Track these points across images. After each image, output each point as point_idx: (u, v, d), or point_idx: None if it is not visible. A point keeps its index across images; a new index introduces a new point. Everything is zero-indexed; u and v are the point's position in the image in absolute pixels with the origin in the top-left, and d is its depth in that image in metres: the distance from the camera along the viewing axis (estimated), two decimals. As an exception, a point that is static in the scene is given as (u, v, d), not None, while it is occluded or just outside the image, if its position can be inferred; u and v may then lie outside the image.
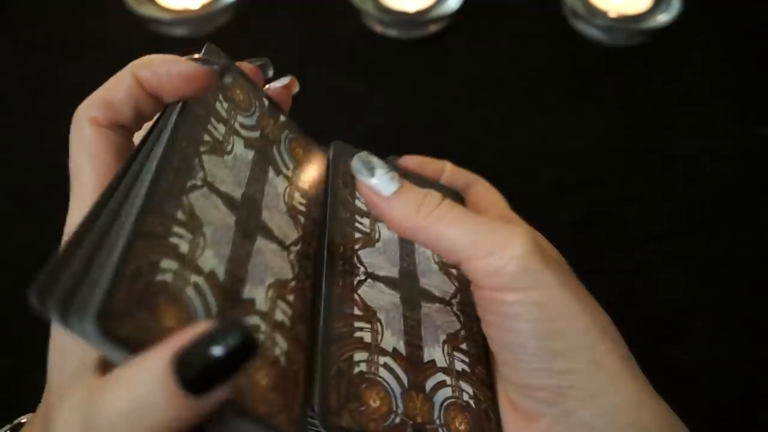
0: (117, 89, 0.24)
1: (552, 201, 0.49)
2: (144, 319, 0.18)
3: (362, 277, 0.27)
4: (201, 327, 0.18)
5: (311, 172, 0.29)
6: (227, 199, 0.24)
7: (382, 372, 0.24)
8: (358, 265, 0.27)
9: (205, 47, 0.27)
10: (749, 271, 0.46)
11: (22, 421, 0.29)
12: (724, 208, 0.49)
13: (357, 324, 0.25)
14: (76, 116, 0.24)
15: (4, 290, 0.45)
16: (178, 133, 0.23)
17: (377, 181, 0.25)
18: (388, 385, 0.24)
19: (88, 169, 0.23)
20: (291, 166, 0.28)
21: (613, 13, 0.57)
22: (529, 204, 0.49)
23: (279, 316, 0.23)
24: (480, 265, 0.24)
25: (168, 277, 0.19)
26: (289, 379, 0.22)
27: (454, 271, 0.30)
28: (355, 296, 0.26)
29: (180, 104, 0.24)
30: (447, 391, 0.25)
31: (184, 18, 0.56)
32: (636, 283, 0.46)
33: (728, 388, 0.41)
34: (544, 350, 0.23)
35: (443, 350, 0.26)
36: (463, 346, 0.27)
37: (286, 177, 0.28)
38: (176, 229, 0.21)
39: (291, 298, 0.24)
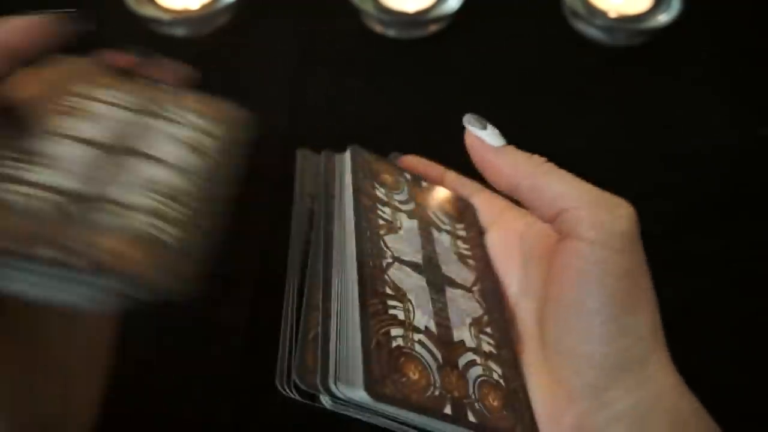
0: None
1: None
2: (397, 378, 0.23)
3: (390, 260, 0.27)
4: None
5: (462, 220, 0.33)
6: (414, 266, 0.28)
7: (418, 347, 0.25)
8: (385, 249, 0.28)
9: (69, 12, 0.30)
10: (749, 271, 0.46)
11: None
12: (724, 208, 0.49)
13: (390, 302, 0.26)
14: None
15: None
16: (361, 223, 0.28)
17: (489, 132, 0.27)
18: (425, 359, 0.24)
19: None
20: (446, 220, 0.32)
21: (613, 13, 0.57)
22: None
23: (486, 347, 0.27)
24: (584, 215, 0.24)
25: (400, 342, 0.24)
26: (512, 395, 0.25)
27: (470, 261, 0.31)
28: (386, 276, 0.27)
29: (352, 201, 0.29)
30: (478, 370, 0.26)
31: (184, 18, 0.56)
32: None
33: (728, 388, 0.41)
34: (616, 323, 0.23)
35: (470, 332, 0.27)
36: (488, 329, 0.28)
37: (447, 231, 0.32)
38: (390, 302, 0.26)
39: (488, 329, 0.28)
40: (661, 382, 0.24)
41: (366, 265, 0.26)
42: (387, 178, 0.32)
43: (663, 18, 0.56)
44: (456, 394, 0.24)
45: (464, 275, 0.30)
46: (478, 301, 0.29)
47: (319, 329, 0.25)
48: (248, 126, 0.31)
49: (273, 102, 0.53)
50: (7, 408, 0.22)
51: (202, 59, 0.56)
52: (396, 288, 0.26)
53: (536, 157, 0.27)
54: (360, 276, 0.26)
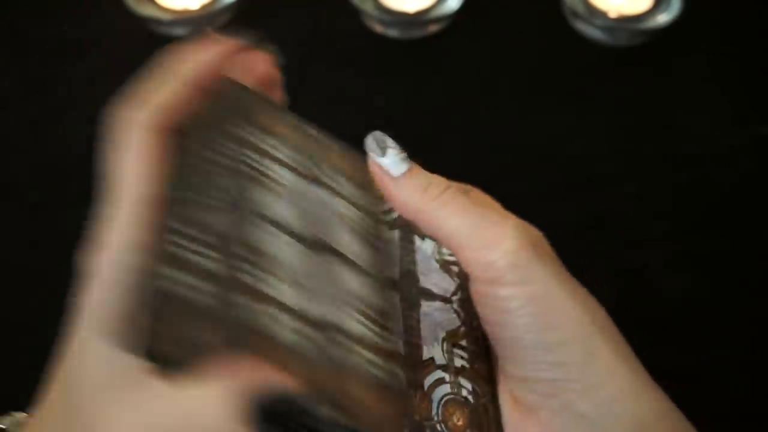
0: (169, 95, 0.24)
1: (552, 201, 0.49)
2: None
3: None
4: (279, 380, 0.19)
5: None
6: (392, 285, 0.27)
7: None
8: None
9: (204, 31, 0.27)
10: (749, 271, 0.46)
11: (1, 427, 0.29)
12: (725, 208, 0.49)
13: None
14: (127, 122, 0.23)
15: (4, 290, 0.45)
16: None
17: (388, 160, 0.26)
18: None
19: (140, 172, 0.22)
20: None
21: (613, 13, 0.57)
22: (529, 204, 0.49)
23: (458, 362, 0.26)
24: (474, 257, 0.24)
25: (357, 359, 0.22)
26: (480, 411, 0.25)
27: (455, 268, 0.30)
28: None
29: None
30: (445, 388, 0.25)
31: (184, 18, 0.56)
32: (636, 284, 0.46)
33: (728, 389, 0.41)
34: (540, 343, 0.24)
35: (442, 348, 0.27)
36: (463, 342, 0.27)
37: (431, 237, 0.30)
38: (358, 316, 0.24)
39: (464, 342, 0.27)
40: (617, 386, 0.24)
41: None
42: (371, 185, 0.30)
43: (663, 18, 0.56)
44: (417, 417, 0.24)
45: (445, 284, 0.29)
46: (456, 312, 0.28)
47: None
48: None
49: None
50: None
51: (202, 59, 0.57)
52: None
53: (433, 188, 0.25)
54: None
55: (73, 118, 0.53)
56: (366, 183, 0.28)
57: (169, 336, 0.19)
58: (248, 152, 0.25)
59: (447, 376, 0.26)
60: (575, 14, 0.58)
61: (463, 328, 0.28)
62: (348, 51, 0.58)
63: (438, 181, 0.25)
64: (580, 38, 0.58)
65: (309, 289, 0.23)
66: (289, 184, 0.26)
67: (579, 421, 0.23)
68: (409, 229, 0.30)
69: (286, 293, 0.22)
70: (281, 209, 0.24)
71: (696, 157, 0.52)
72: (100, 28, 0.59)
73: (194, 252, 0.21)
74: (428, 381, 0.25)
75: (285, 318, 0.21)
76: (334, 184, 0.27)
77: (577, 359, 0.23)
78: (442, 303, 0.28)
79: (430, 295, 0.28)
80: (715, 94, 0.55)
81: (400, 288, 0.28)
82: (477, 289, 0.25)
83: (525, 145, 0.52)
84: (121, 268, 0.21)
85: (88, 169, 0.50)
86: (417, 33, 0.58)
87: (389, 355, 0.24)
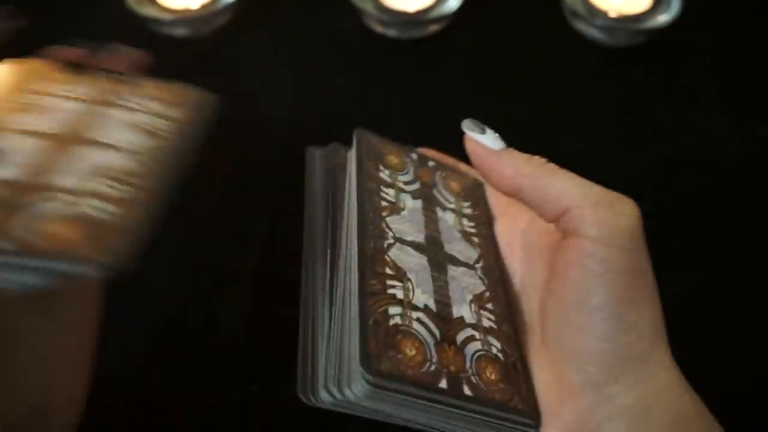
0: None
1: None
2: (393, 355, 0.23)
3: (391, 241, 0.28)
4: None
5: (468, 198, 0.33)
6: (416, 246, 0.29)
7: (416, 325, 0.25)
8: (387, 230, 0.29)
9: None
10: (749, 271, 0.46)
11: None
12: (724, 208, 0.49)
13: (389, 282, 0.26)
14: None
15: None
16: (364, 207, 0.29)
17: (488, 138, 0.28)
18: (422, 336, 0.25)
19: None
20: (452, 199, 0.33)
21: (613, 13, 0.57)
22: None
23: (486, 323, 0.27)
24: (588, 213, 0.24)
25: (398, 320, 0.25)
26: (510, 368, 0.26)
27: (475, 239, 0.31)
28: (386, 257, 0.27)
29: (356, 186, 0.30)
30: (476, 345, 0.26)
31: (184, 18, 0.56)
32: (636, 283, 0.46)
33: (728, 389, 0.41)
34: (619, 319, 0.23)
35: (471, 308, 0.28)
36: (489, 305, 0.28)
37: (452, 210, 0.32)
38: (389, 282, 0.26)
39: (490, 305, 0.28)
40: (662, 380, 0.24)
41: (366, 247, 0.27)
42: (392, 159, 0.33)
43: (663, 18, 0.56)
44: (452, 368, 0.24)
45: (468, 253, 0.30)
46: (480, 278, 0.29)
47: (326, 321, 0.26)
48: (207, 107, 0.32)
49: (273, 102, 0.54)
50: None
51: (202, 59, 0.57)
52: (396, 268, 0.27)
53: (537, 158, 0.27)
54: (360, 258, 0.26)
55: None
56: (175, 101, 0.32)
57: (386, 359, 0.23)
58: (383, 188, 0.31)
59: (477, 334, 0.27)
60: (575, 14, 0.58)
61: (487, 293, 0.29)
62: (348, 51, 0.58)
63: (538, 156, 0.27)
64: (580, 38, 0.58)
65: (33, 166, 0.26)
66: (63, 106, 0.30)
67: (620, 413, 0.23)
68: (431, 200, 0.32)
69: (420, 296, 0.26)
70: (40, 122, 0.29)
71: (696, 156, 0.52)
72: (100, 28, 0.59)
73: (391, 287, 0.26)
74: (460, 337, 0.26)
75: (416, 314, 0.25)
76: (129, 104, 0.31)
77: (641, 348, 0.23)
78: (467, 269, 0.29)
79: (456, 261, 0.30)
80: (714, 94, 0.55)
81: (427, 252, 0.29)
82: (578, 246, 0.24)
83: (525, 145, 0.52)
84: None
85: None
86: (417, 33, 0.58)
87: (116, 200, 0.26)
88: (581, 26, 0.58)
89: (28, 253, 0.22)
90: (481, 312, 0.28)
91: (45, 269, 0.23)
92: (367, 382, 0.22)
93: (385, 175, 0.32)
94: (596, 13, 0.57)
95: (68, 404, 0.27)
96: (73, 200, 0.25)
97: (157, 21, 0.56)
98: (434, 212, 0.31)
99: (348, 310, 0.25)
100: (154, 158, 0.28)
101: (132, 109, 0.31)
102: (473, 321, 0.27)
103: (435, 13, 0.57)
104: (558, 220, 0.26)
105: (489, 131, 0.28)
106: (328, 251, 0.29)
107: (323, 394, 0.23)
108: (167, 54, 0.58)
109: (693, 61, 0.58)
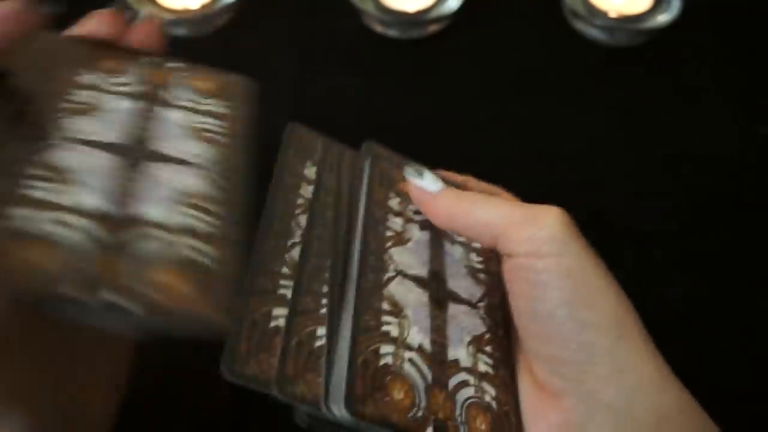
0: None
1: (552, 201, 0.49)
2: (379, 397, 0.23)
3: (392, 274, 0.28)
4: None
5: None
6: (417, 280, 0.28)
7: (407, 366, 0.25)
8: (389, 262, 0.28)
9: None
10: (749, 271, 0.46)
11: None
12: (725, 208, 0.49)
13: (385, 318, 0.26)
14: None
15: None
16: (368, 237, 0.28)
17: (426, 181, 0.29)
18: (413, 379, 0.24)
19: None
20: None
21: (613, 13, 0.57)
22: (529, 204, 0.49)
23: (482, 367, 0.27)
24: (514, 232, 0.25)
25: (389, 360, 0.24)
26: (502, 418, 0.25)
27: (482, 275, 0.30)
28: (384, 292, 0.27)
29: (363, 212, 0.29)
30: (469, 391, 0.26)
31: (184, 18, 0.56)
32: (636, 283, 0.45)
33: (728, 389, 0.41)
34: (574, 320, 0.24)
35: (468, 350, 0.27)
36: (488, 348, 0.28)
37: (461, 243, 0.31)
38: (385, 318, 0.25)
39: (488, 348, 0.27)
40: (641, 374, 0.24)
41: (366, 279, 0.26)
42: (404, 186, 0.32)
43: (663, 18, 0.56)
44: (441, 415, 0.24)
45: (472, 290, 0.30)
46: (482, 318, 0.29)
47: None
48: (251, 96, 0.31)
49: (273, 102, 0.53)
50: (29, 401, 0.23)
51: (202, 59, 0.57)
52: (394, 303, 0.26)
53: (467, 194, 0.28)
54: (357, 291, 0.26)
55: (73, 118, 0.53)
56: (221, 93, 0.31)
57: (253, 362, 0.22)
58: (392, 217, 0.30)
59: (471, 379, 0.26)
60: (575, 14, 0.58)
61: (488, 335, 0.28)
62: (348, 51, 0.58)
63: (469, 192, 0.29)
64: (580, 38, 0.58)
65: (114, 191, 0.24)
66: (120, 107, 0.28)
67: (602, 410, 0.23)
68: (440, 232, 0.31)
69: (75, 196, 0.23)
70: (104, 130, 0.26)
71: (696, 156, 0.52)
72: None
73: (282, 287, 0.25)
74: (453, 381, 0.25)
75: (59, 216, 0.22)
76: (178, 100, 0.29)
77: (608, 341, 0.24)
78: (469, 307, 0.29)
79: (457, 299, 0.29)
80: (715, 94, 0.55)
81: (429, 287, 0.28)
82: (514, 265, 0.26)
83: (525, 145, 0.52)
84: None
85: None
86: (417, 33, 0.58)
87: (209, 237, 0.24)
88: (581, 26, 0.58)
89: (154, 312, 0.21)
90: (479, 355, 0.27)
91: (162, 324, 0.21)
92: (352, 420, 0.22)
93: (394, 203, 0.31)
94: (596, 13, 0.57)
95: (100, 424, 0.28)
96: (169, 239, 0.23)
97: (157, 21, 0.56)
98: (441, 245, 0.31)
99: (339, 344, 0.24)
100: (224, 176, 0.26)
101: (185, 108, 0.29)
102: (468, 364, 0.26)
103: (435, 13, 0.57)
104: (495, 246, 0.27)
105: (427, 174, 0.30)
106: (329, 267, 0.27)
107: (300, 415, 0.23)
108: (167, 54, 0.58)
109: (693, 61, 0.58)
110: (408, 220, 0.31)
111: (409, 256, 0.29)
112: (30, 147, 0.24)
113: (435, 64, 0.57)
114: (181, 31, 0.57)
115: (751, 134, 0.53)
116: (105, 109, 0.27)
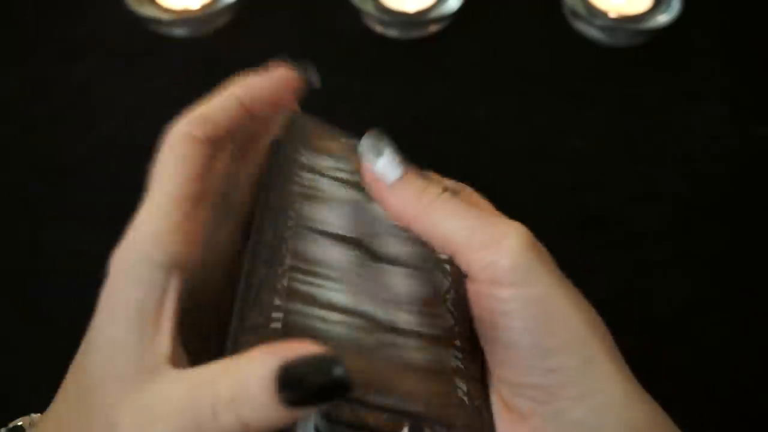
0: (219, 111, 0.25)
1: (552, 201, 0.49)
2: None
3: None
4: (310, 349, 0.19)
5: None
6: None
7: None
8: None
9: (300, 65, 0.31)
10: (749, 271, 0.46)
11: (19, 423, 0.29)
12: (725, 208, 0.49)
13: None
14: (173, 132, 0.24)
15: (5, 290, 0.45)
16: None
17: (381, 166, 0.25)
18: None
19: (174, 173, 0.23)
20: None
21: (613, 14, 0.57)
22: (529, 204, 0.49)
23: (453, 362, 0.26)
24: (474, 258, 0.24)
25: (404, 350, 0.25)
26: (474, 414, 0.25)
27: (447, 266, 0.30)
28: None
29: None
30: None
31: (184, 18, 0.56)
32: (636, 284, 0.46)
33: (728, 389, 0.41)
34: (537, 348, 0.23)
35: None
36: (457, 342, 0.27)
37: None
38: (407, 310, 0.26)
39: (457, 342, 0.27)
40: (610, 392, 0.23)
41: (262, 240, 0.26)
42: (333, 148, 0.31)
43: (663, 18, 0.56)
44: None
45: (438, 283, 0.29)
46: (450, 311, 0.28)
47: None
48: None
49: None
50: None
51: (202, 59, 0.57)
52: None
53: (429, 192, 0.25)
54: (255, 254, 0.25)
55: (74, 118, 0.53)
56: None
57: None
58: (303, 173, 0.28)
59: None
60: (575, 14, 0.58)
61: (456, 328, 0.27)
62: (348, 51, 0.58)
63: (434, 185, 0.25)
64: (580, 38, 0.58)
65: (366, 292, 0.25)
66: (338, 195, 0.28)
67: (572, 428, 0.23)
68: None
69: (340, 295, 0.24)
70: (334, 220, 0.26)
71: (696, 156, 0.52)
72: (100, 28, 0.59)
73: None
74: None
75: (336, 316, 0.23)
76: None
77: (574, 365, 0.23)
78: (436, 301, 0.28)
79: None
80: (715, 94, 0.55)
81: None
82: (475, 290, 0.24)
83: (525, 145, 0.52)
84: (145, 263, 0.21)
85: (88, 169, 0.50)
86: (417, 33, 0.58)
87: (435, 339, 0.25)
88: (581, 26, 0.58)
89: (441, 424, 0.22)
90: (449, 350, 0.26)
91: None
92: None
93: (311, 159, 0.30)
94: (596, 13, 0.57)
95: None
96: (426, 347, 0.24)
97: (157, 21, 0.56)
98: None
99: None
100: (422, 273, 0.26)
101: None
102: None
103: (435, 13, 0.57)
104: (452, 260, 0.25)
105: (385, 157, 0.25)
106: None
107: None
108: (167, 54, 0.58)
109: (693, 61, 0.58)
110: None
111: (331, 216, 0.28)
112: (281, 231, 0.25)
113: (435, 64, 0.57)
114: (181, 31, 0.57)
115: (750, 134, 0.53)
116: (329, 197, 0.27)
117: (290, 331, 0.22)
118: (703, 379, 0.41)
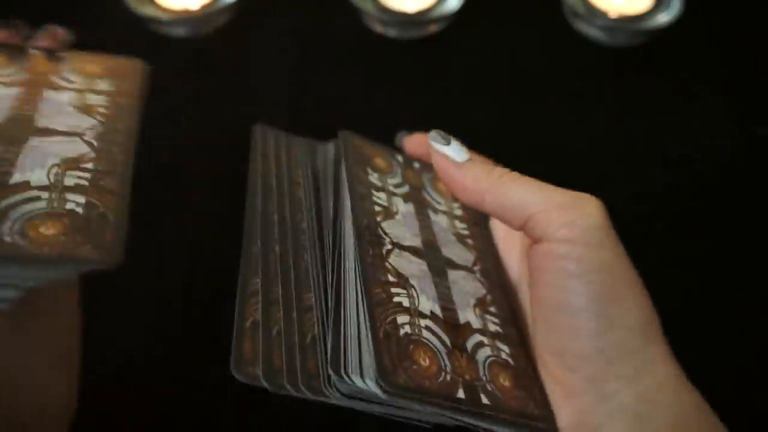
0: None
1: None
2: (408, 366, 0.23)
3: (389, 247, 0.28)
4: None
5: (455, 199, 0.33)
6: (414, 251, 0.28)
7: (426, 333, 0.25)
8: (383, 236, 0.28)
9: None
10: (749, 272, 0.46)
11: None
12: (724, 208, 0.49)
13: (394, 290, 0.26)
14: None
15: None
16: (357, 212, 0.28)
17: (452, 149, 0.28)
18: (434, 345, 0.24)
19: None
20: (442, 201, 0.32)
21: (613, 14, 0.57)
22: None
23: (492, 327, 0.27)
24: (554, 216, 0.24)
25: (407, 329, 0.24)
26: (522, 373, 0.25)
27: (469, 241, 0.31)
28: (387, 264, 0.27)
29: (348, 192, 0.29)
30: (487, 351, 0.26)
31: (184, 18, 0.56)
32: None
33: (728, 389, 0.41)
34: (605, 316, 0.23)
35: (475, 313, 0.27)
36: (492, 308, 0.28)
37: (444, 212, 0.32)
38: (394, 290, 0.25)
39: (492, 308, 0.28)
40: (661, 375, 0.23)
41: (366, 254, 0.26)
42: (379, 162, 0.32)
43: (663, 18, 0.56)
44: (467, 377, 0.24)
45: (465, 256, 0.30)
46: (480, 281, 0.29)
47: (319, 324, 0.25)
48: (143, 74, 0.33)
49: (273, 102, 0.53)
50: None
51: (202, 59, 0.57)
52: (398, 275, 0.26)
53: (498, 169, 0.27)
54: (362, 266, 0.26)
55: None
56: (107, 73, 0.33)
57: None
58: (375, 193, 0.30)
59: (485, 340, 0.26)
60: (575, 14, 0.58)
61: (489, 296, 0.28)
62: (348, 51, 0.58)
63: (499, 166, 0.27)
64: (580, 38, 0.58)
65: (435, 297, 0.26)
66: (407, 212, 0.30)
67: (621, 411, 0.23)
68: (422, 203, 0.31)
69: (425, 303, 0.26)
70: (404, 235, 0.29)
71: (695, 157, 0.52)
72: (99, 28, 0.59)
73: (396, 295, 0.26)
74: (470, 343, 0.26)
75: (425, 322, 0.25)
76: (61, 82, 0.31)
77: (635, 343, 0.23)
78: (466, 272, 0.29)
79: (454, 265, 0.29)
80: (714, 94, 0.55)
81: (426, 257, 0.29)
82: (548, 251, 0.24)
83: (525, 145, 0.52)
84: None
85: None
86: (417, 33, 0.58)
87: (491, 334, 0.26)
88: (581, 26, 0.58)
89: (24, 258, 0.22)
90: (486, 316, 0.27)
91: (25, 277, 0.22)
92: (386, 393, 0.22)
93: (374, 178, 0.31)
94: (596, 13, 0.57)
95: (62, 401, 0.28)
96: (52, 197, 0.24)
97: (156, 21, 0.56)
98: (427, 215, 0.31)
99: (356, 320, 0.24)
100: (109, 141, 0.28)
101: (74, 89, 0.31)
102: (480, 326, 0.27)
103: (435, 13, 0.57)
104: (524, 227, 0.25)
105: (454, 142, 0.28)
106: (312, 248, 0.28)
107: (340, 384, 0.23)
108: (167, 54, 0.58)
109: (693, 62, 0.58)
110: (391, 194, 0.31)
111: (400, 229, 0.29)
112: (372, 248, 0.27)
113: (435, 64, 0.57)
114: (181, 31, 0.57)
115: (749, 134, 0.53)
116: (397, 212, 0.30)
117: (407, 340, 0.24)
118: (703, 380, 0.41)
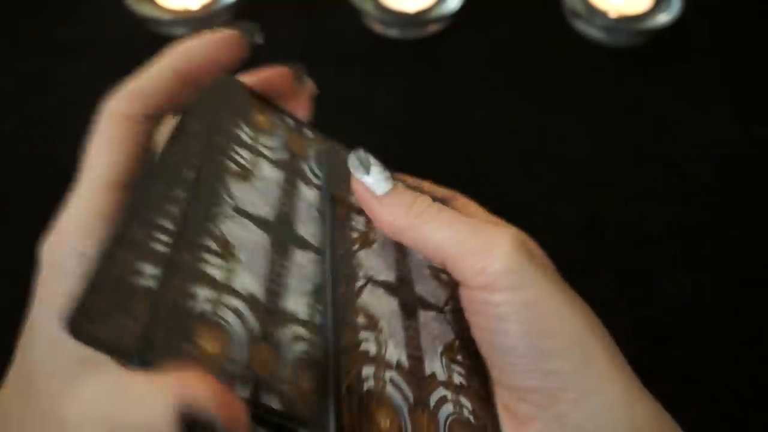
0: (153, 83, 0.24)
1: (552, 202, 0.49)
2: (367, 428, 0.21)
3: (362, 282, 0.26)
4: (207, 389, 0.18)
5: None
6: (387, 287, 0.26)
7: (389, 388, 0.24)
8: (358, 268, 0.26)
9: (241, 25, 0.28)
10: (749, 272, 0.46)
11: None
12: (725, 208, 0.49)
13: (362, 335, 0.24)
14: (104, 109, 0.23)
15: (4, 290, 0.45)
16: (335, 239, 0.26)
17: (372, 179, 0.25)
18: (396, 402, 0.23)
19: (105, 157, 0.22)
20: (322, 175, 0.29)
21: (613, 13, 0.57)
22: (529, 205, 0.49)
23: (457, 378, 0.25)
24: (466, 264, 0.24)
25: (371, 384, 0.22)
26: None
27: (444, 276, 0.29)
28: (358, 302, 0.25)
29: (329, 218, 0.26)
30: (449, 407, 0.25)
31: (184, 18, 0.56)
32: (636, 285, 0.46)
33: (729, 389, 0.41)
34: (535, 351, 0.23)
35: (442, 362, 0.26)
36: (459, 357, 0.27)
37: (317, 186, 0.28)
38: (363, 333, 0.23)
39: (459, 357, 0.26)
40: (609, 393, 0.23)
41: (338, 292, 0.25)
42: (260, 119, 0.29)
43: (663, 18, 0.56)
44: None
45: (437, 293, 0.28)
46: (449, 323, 0.27)
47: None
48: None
49: (273, 102, 0.53)
50: None
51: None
52: (369, 316, 0.25)
53: (418, 204, 0.25)
54: (333, 307, 0.24)
55: (73, 118, 0.53)
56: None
57: (108, 321, 0.18)
58: (236, 147, 0.26)
59: (449, 394, 0.25)
60: (575, 14, 0.58)
61: (457, 342, 0.27)
62: (348, 51, 0.58)
63: (423, 198, 0.25)
64: (580, 38, 0.58)
65: (267, 278, 0.23)
66: (270, 176, 0.26)
67: (575, 426, 0.23)
68: (297, 173, 0.29)
69: (245, 283, 0.22)
70: (260, 203, 0.25)
71: (696, 157, 0.52)
72: (99, 28, 0.59)
73: (156, 241, 0.21)
74: (433, 399, 0.25)
75: (228, 301, 0.21)
76: (308, 173, 0.28)
77: (571, 367, 0.23)
78: (436, 313, 0.28)
79: (426, 304, 0.28)
80: (715, 94, 0.55)
81: (398, 294, 0.27)
82: (469, 296, 0.24)
83: (525, 146, 0.52)
84: (73, 255, 0.20)
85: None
86: (417, 33, 0.58)
87: (314, 327, 0.23)
88: (581, 26, 0.58)
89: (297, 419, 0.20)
90: (452, 366, 0.26)
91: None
92: None
93: (243, 132, 0.27)
94: (596, 13, 0.57)
95: None
96: (306, 337, 0.22)
97: (156, 21, 0.56)
98: (404, 247, 0.29)
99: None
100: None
101: (313, 186, 0.27)
102: (444, 378, 0.25)
103: (435, 13, 0.57)
104: (446, 269, 0.25)
105: (374, 170, 0.25)
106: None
107: None
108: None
109: (693, 62, 0.58)
110: (258, 155, 0.27)
111: (376, 260, 0.27)
112: (202, 209, 0.23)
113: (435, 64, 0.57)
114: (180, 31, 0.57)
115: (751, 134, 0.53)
116: (257, 175, 0.26)
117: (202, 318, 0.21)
118: (703, 380, 0.41)
